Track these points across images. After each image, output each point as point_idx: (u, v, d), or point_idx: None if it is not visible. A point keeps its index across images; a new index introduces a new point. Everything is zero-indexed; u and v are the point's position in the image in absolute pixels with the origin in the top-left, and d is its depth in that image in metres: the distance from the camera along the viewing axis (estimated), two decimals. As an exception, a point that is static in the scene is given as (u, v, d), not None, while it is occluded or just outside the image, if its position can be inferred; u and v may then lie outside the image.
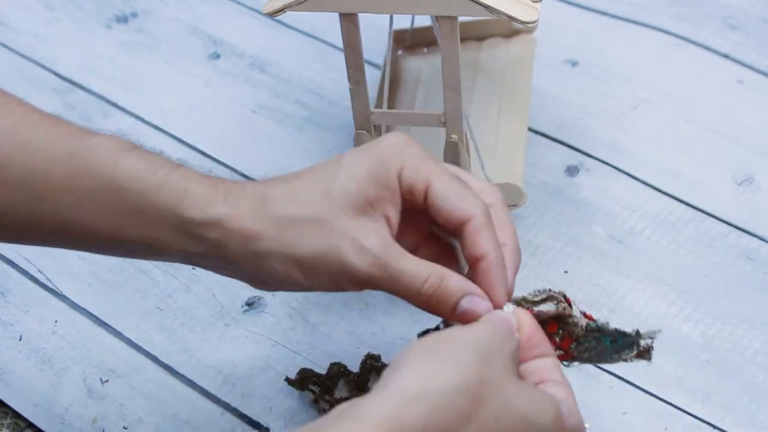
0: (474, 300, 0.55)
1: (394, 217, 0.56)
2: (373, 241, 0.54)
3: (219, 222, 0.55)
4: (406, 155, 0.56)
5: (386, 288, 0.55)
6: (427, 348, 0.50)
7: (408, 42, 0.87)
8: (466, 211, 0.55)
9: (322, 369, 0.71)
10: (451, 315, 0.55)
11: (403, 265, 0.54)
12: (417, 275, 0.54)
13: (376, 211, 0.55)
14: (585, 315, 0.61)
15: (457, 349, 0.49)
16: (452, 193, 0.55)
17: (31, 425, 0.71)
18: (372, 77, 0.76)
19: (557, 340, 0.60)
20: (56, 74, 0.96)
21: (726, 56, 0.93)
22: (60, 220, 0.56)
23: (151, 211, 0.55)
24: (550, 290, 0.61)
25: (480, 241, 0.55)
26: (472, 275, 0.56)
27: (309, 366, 0.72)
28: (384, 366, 0.71)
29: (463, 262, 0.58)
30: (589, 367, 0.72)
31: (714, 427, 0.69)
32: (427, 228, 0.59)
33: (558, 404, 0.51)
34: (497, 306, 0.55)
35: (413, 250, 0.57)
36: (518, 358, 0.53)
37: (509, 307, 0.56)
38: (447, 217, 0.55)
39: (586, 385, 0.71)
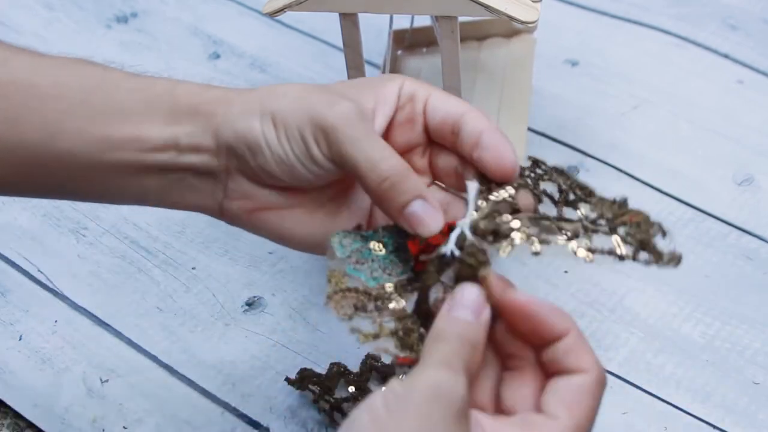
0: (428, 208, 0.52)
1: (381, 121, 0.55)
2: (348, 104, 0.53)
3: (213, 98, 0.55)
4: (406, 78, 0.56)
5: (347, 155, 0.52)
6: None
7: (408, 42, 0.87)
8: (462, 107, 0.55)
9: (322, 369, 0.71)
10: (398, 213, 0.52)
11: (373, 135, 0.53)
12: (382, 151, 0.52)
13: (365, 107, 0.54)
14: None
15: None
16: (447, 96, 0.56)
17: (31, 425, 0.71)
18: (372, 77, 0.76)
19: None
20: (56, 74, 0.96)
21: (726, 56, 0.93)
22: (47, 130, 0.54)
23: (144, 103, 0.55)
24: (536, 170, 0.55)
25: (479, 121, 0.54)
26: (477, 152, 0.54)
27: (309, 366, 0.72)
28: (384, 366, 0.71)
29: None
30: (589, 367, 0.72)
31: (714, 427, 0.69)
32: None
33: None
34: (509, 162, 0.53)
35: None
36: (467, 407, 0.47)
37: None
38: (447, 111, 0.55)
39: (586, 385, 0.71)
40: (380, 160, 0.52)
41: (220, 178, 0.56)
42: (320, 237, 0.56)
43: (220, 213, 0.57)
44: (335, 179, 0.55)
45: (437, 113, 0.55)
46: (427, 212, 0.52)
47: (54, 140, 0.54)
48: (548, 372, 0.50)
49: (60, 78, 0.55)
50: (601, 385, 0.49)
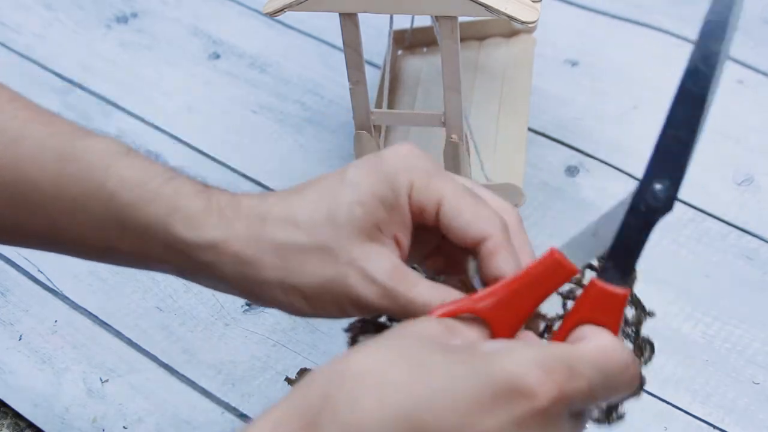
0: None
1: (404, 239, 0.52)
2: (380, 270, 0.50)
3: (213, 246, 0.51)
4: (415, 171, 0.51)
5: (397, 316, 0.50)
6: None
7: (408, 42, 0.87)
8: (481, 231, 0.50)
9: (322, 369, 0.71)
10: None
11: (412, 294, 0.50)
12: (428, 304, 0.49)
13: (385, 235, 0.51)
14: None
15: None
16: (466, 211, 0.50)
17: (31, 425, 0.71)
18: (372, 77, 0.76)
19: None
20: (56, 74, 0.96)
21: (726, 56, 0.93)
22: (51, 226, 0.54)
23: (142, 225, 0.52)
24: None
25: (497, 262, 0.50)
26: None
27: (309, 366, 0.72)
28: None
29: (472, 271, 0.52)
30: (589, 367, 0.72)
31: (714, 427, 0.69)
32: (436, 241, 0.55)
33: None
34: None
35: (420, 262, 0.54)
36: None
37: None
38: (462, 237, 0.50)
39: (586, 385, 0.71)
40: (429, 318, 0.49)
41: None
42: None
43: None
44: None
45: (454, 233, 0.51)
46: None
47: (63, 237, 0.54)
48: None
49: (61, 178, 0.53)
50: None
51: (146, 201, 0.52)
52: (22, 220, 0.54)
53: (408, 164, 0.51)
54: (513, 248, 0.51)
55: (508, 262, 0.50)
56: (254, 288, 0.52)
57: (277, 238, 0.51)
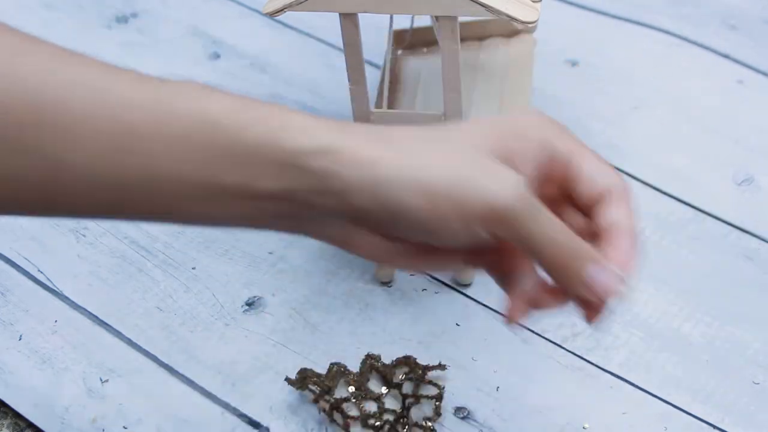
0: (609, 272, 0.50)
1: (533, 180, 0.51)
2: (514, 175, 0.49)
3: (330, 148, 0.48)
4: (548, 125, 0.52)
5: (521, 229, 0.49)
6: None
7: (408, 42, 0.87)
8: (609, 178, 0.52)
9: (322, 369, 0.71)
10: (576, 281, 0.49)
11: (544, 207, 0.49)
12: (555, 223, 0.49)
13: (514, 166, 0.50)
14: None
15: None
16: (596, 161, 0.52)
17: (31, 425, 0.71)
18: (372, 77, 0.76)
19: None
20: (56, 74, 0.96)
21: (726, 56, 0.93)
22: (151, 173, 0.49)
23: (251, 147, 0.49)
24: None
25: (615, 207, 0.52)
26: (599, 247, 0.51)
27: (309, 366, 0.72)
28: (384, 366, 0.71)
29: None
30: (589, 367, 0.72)
31: (714, 427, 0.69)
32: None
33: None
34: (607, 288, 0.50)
35: None
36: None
37: None
38: (589, 184, 0.52)
39: (586, 384, 0.71)
40: (558, 230, 0.50)
41: (335, 226, 0.52)
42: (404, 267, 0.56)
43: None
44: None
45: (582, 180, 0.52)
46: (608, 275, 0.50)
47: (162, 185, 0.50)
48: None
49: (157, 117, 0.49)
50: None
51: (254, 121, 0.49)
52: (126, 172, 0.50)
53: (542, 120, 0.53)
54: (632, 205, 0.52)
55: (624, 211, 0.52)
56: (373, 192, 0.48)
57: (400, 139, 0.50)
